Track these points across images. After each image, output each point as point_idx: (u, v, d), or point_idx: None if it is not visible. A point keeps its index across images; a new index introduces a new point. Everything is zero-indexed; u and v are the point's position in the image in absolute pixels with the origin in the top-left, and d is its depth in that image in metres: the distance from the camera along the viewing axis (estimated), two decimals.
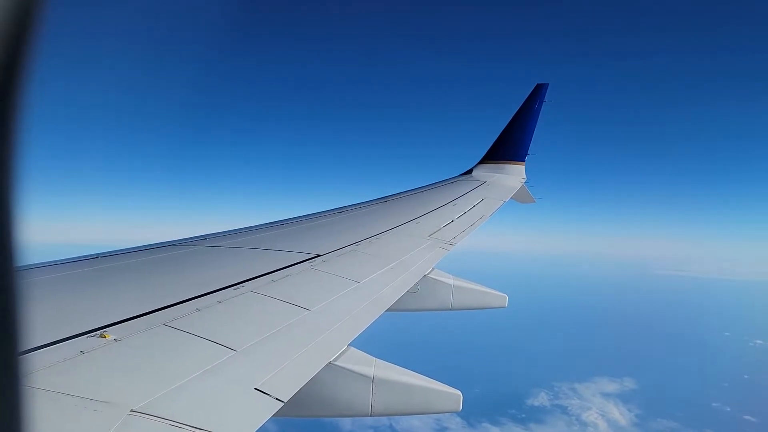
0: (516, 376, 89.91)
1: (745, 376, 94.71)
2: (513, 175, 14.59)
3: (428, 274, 6.92)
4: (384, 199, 11.28)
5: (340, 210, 9.82)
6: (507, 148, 14.97)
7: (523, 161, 15.07)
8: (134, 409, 2.54)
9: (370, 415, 4.12)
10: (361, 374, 4.05)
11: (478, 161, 15.10)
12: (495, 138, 15.30)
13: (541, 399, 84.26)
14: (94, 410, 2.46)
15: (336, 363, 3.92)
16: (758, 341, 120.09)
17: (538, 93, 14.92)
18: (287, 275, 5.23)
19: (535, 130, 14.99)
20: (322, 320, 4.34)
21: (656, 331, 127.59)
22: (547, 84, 14.99)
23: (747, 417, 78.67)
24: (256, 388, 3.08)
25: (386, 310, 5.18)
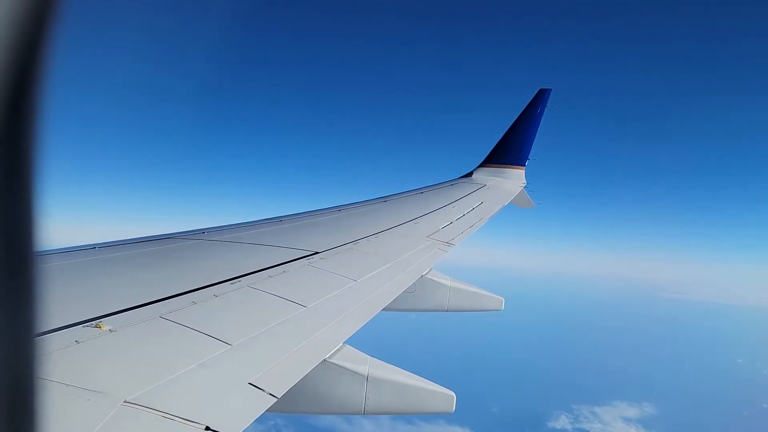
0: (533, 396, 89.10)
1: (765, 405, 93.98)
2: (513, 179, 14.61)
3: (425, 274, 6.92)
4: (383, 199, 11.28)
5: (339, 208, 9.82)
6: (508, 152, 14.98)
7: (524, 166, 15.08)
8: (128, 399, 2.54)
9: (363, 414, 4.12)
10: (356, 372, 4.05)
11: (478, 164, 15.12)
12: (496, 141, 15.32)
13: (562, 422, 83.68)
14: (88, 400, 2.46)
15: (331, 360, 3.93)
16: None
17: (540, 98, 14.93)
18: (284, 271, 5.23)
19: (537, 135, 15.01)
20: (318, 317, 4.34)
21: (668, 356, 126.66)
22: (550, 89, 15.01)
23: None
24: (250, 383, 3.07)
25: (382, 310, 5.18)
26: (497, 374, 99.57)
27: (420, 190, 12.70)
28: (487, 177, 14.49)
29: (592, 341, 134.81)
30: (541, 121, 14.94)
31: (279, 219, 8.49)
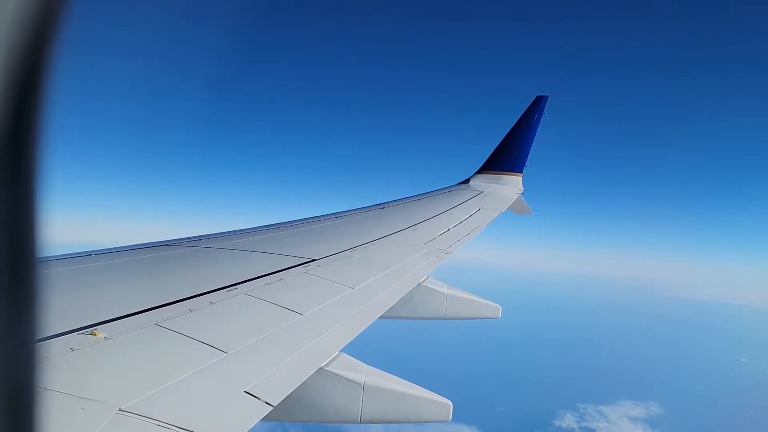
0: (539, 395, 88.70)
1: None
2: (510, 186, 14.64)
3: (423, 282, 6.91)
4: (380, 206, 11.28)
5: (336, 215, 9.82)
6: (505, 158, 15.02)
7: (521, 172, 15.12)
8: (122, 408, 2.52)
9: (360, 422, 4.10)
10: (352, 380, 4.04)
11: (476, 171, 15.15)
12: (493, 148, 15.36)
13: (568, 420, 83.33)
14: (82, 408, 2.45)
15: (327, 368, 3.91)
16: None
17: (537, 105, 14.99)
18: (281, 279, 5.22)
19: (534, 142, 15.06)
20: (314, 325, 4.33)
21: (671, 355, 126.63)
22: (547, 96, 15.06)
23: None
24: (245, 391, 3.06)
25: (379, 317, 5.17)
26: (503, 374, 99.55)
27: (417, 197, 12.71)
28: (484, 184, 14.51)
29: (597, 341, 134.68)
30: (539, 128, 15.00)
31: (276, 226, 8.48)
